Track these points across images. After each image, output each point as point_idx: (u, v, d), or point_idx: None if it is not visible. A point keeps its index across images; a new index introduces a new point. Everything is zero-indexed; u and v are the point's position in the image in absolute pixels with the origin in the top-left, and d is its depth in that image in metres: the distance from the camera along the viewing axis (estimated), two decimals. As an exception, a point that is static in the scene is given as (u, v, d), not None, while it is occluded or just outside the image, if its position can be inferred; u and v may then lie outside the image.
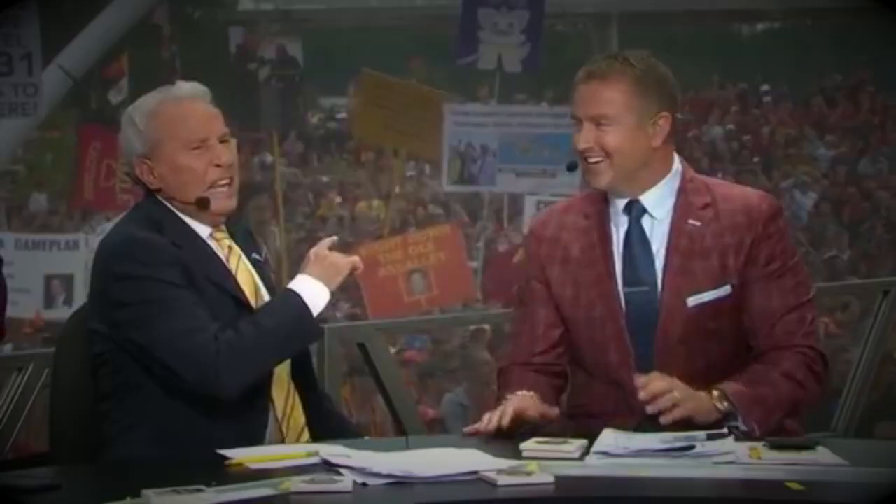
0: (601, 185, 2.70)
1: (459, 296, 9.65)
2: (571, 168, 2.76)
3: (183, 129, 2.62)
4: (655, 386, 2.53)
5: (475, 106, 12.40)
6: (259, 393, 2.59)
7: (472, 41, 10.97)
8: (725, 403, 2.58)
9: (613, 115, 2.66)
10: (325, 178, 15.52)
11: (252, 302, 2.64)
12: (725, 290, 2.66)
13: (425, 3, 13.65)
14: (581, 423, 2.71)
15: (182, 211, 2.63)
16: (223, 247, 2.67)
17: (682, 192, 2.71)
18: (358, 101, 10.31)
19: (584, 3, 14.91)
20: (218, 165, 2.62)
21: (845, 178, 14.67)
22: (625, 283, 2.68)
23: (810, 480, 2.28)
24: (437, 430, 6.97)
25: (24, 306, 8.89)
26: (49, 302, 8.95)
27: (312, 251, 2.63)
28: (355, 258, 2.66)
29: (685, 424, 2.52)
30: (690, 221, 2.68)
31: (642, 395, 2.54)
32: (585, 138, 2.67)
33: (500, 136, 10.12)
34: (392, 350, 5.83)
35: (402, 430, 4.10)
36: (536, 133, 10.24)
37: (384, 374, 4.18)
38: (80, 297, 8.56)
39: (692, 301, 2.65)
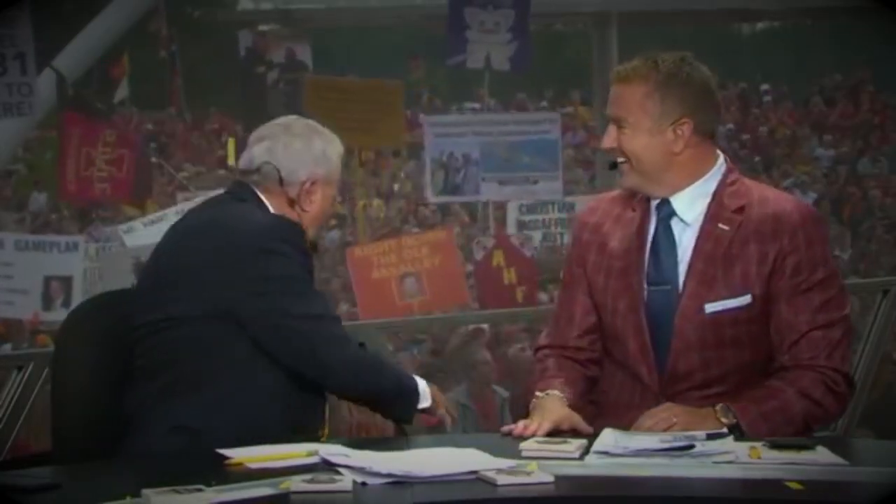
0: (626, 185, 2.71)
1: (452, 301, 9.68)
2: (614, 166, 2.76)
3: (336, 183, 2.84)
4: (643, 424, 2.56)
5: (454, 117, 12.43)
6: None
7: (460, 41, 10.98)
8: (730, 416, 2.58)
9: (629, 118, 2.66)
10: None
11: None
12: (745, 299, 2.63)
13: (425, 2, 13.65)
14: (601, 409, 2.73)
15: None
16: None
17: (717, 195, 2.69)
18: (305, 107, 10.31)
19: (583, 2, 14.90)
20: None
21: (845, 178, 14.67)
22: (648, 281, 2.69)
23: (810, 480, 2.27)
24: (436, 431, 6.97)
25: (22, 307, 8.89)
26: (47, 303, 8.94)
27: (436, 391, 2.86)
28: (447, 418, 2.92)
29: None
30: (720, 225, 2.66)
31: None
32: (608, 138, 2.69)
33: (480, 145, 10.18)
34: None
35: (402, 430, 4.09)
36: (516, 140, 10.30)
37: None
38: (79, 298, 8.54)
39: (710, 308, 2.63)
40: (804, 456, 2.38)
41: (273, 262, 2.60)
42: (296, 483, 2.22)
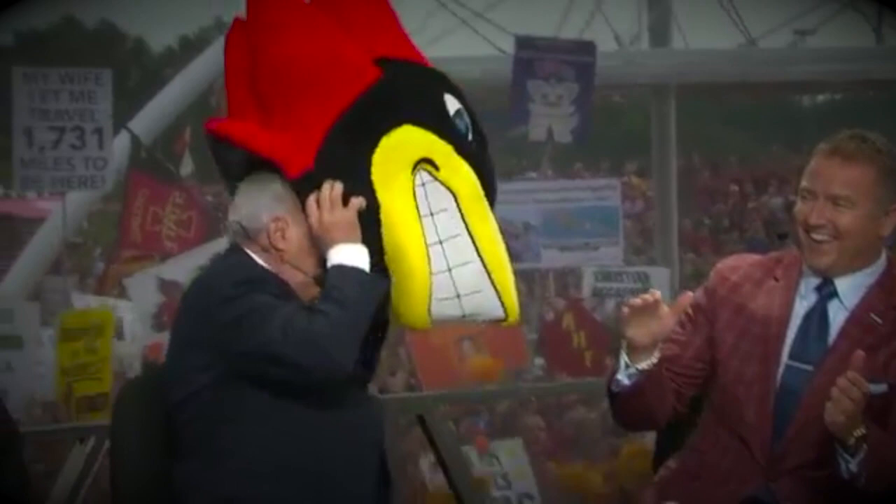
0: (821, 264, 2.67)
1: (512, 360, 9.64)
2: (783, 237, 2.73)
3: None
4: (852, 392, 2.47)
5: (513, 184, 12.47)
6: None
7: (522, 113, 11.05)
8: (863, 430, 2.51)
9: (855, 197, 2.63)
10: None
11: None
12: (881, 387, 2.59)
13: (481, 75, 13.78)
14: (698, 471, 2.67)
15: (292, 281, 2.64)
16: None
17: (878, 285, 2.67)
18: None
19: (641, 74, 14.94)
20: None
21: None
22: (790, 356, 2.65)
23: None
24: (487, 489, 6.95)
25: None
26: None
27: (314, 219, 2.58)
28: (357, 200, 2.57)
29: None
30: (873, 315, 2.64)
31: (841, 380, 2.47)
32: (820, 214, 2.64)
33: (540, 212, 10.16)
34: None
35: (460, 501, 4.06)
36: (576, 207, 10.30)
37: (442, 445, 4.16)
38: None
39: None
40: None
41: (236, 307, 2.55)
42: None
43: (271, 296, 2.56)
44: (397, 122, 2.58)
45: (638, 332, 2.60)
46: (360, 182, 2.56)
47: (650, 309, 2.60)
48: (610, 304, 10.01)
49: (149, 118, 12.88)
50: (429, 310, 2.58)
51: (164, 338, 2.81)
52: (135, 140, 11.57)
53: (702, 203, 18.33)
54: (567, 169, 16.77)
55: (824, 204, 2.64)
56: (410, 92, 2.62)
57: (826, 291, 2.68)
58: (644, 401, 2.67)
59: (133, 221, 11.07)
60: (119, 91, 10.72)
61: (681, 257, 14.44)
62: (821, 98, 21.54)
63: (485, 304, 2.62)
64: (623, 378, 2.64)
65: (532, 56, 11.31)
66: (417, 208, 2.57)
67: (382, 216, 2.56)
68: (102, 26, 37.71)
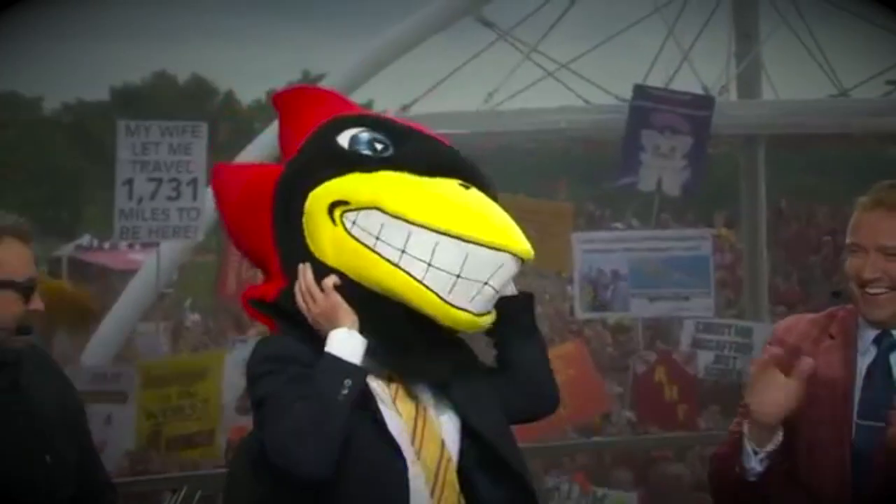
0: (881, 317, 2.63)
1: (595, 409, 9.59)
2: (838, 294, 2.70)
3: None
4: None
5: (603, 233, 12.37)
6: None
7: (633, 163, 10.99)
8: None
9: None
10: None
11: (405, 445, 2.59)
12: None
13: (568, 125, 13.80)
14: None
15: None
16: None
17: None
18: None
19: (730, 125, 14.84)
20: None
21: None
22: (859, 415, 2.60)
23: None
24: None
25: None
26: None
27: (308, 316, 2.59)
28: (327, 280, 2.59)
29: None
30: None
31: None
32: (873, 268, 2.61)
33: (629, 261, 10.08)
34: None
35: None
36: (665, 256, 10.18)
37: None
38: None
39: None
40: None
41: (255, 390, 2.56)
42: None
43: (289, 379, 2.52)
44: (303, 198, 2.62)
45: (763, 399, 2.50)
46: (316, 268, 2.59)
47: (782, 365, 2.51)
48: (706, 357, 9.84)
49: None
50: (454, 306, 2.54)
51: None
52: None
53: (793, 255, 18.08)
54: (657, 219, 16.67)
55: (876, 256, 2.60)
56: (302, 162, 2.65)
57: (887, 343, 2.62)
58: (775, 489, 2.58)
59: (230, 270, 11.26)
60: (210, 143, 10.91)
61: (771, 310, 14.23)
62: (915, 148, 21.20)
63: (482, 262, 2.55)
64: (755, 465, 2.56)
65: (650, 106, 11.29)
66: (364, 244, 2.56)
67: (350, 275, 2.58)
68: (193, 80, 38.49)
